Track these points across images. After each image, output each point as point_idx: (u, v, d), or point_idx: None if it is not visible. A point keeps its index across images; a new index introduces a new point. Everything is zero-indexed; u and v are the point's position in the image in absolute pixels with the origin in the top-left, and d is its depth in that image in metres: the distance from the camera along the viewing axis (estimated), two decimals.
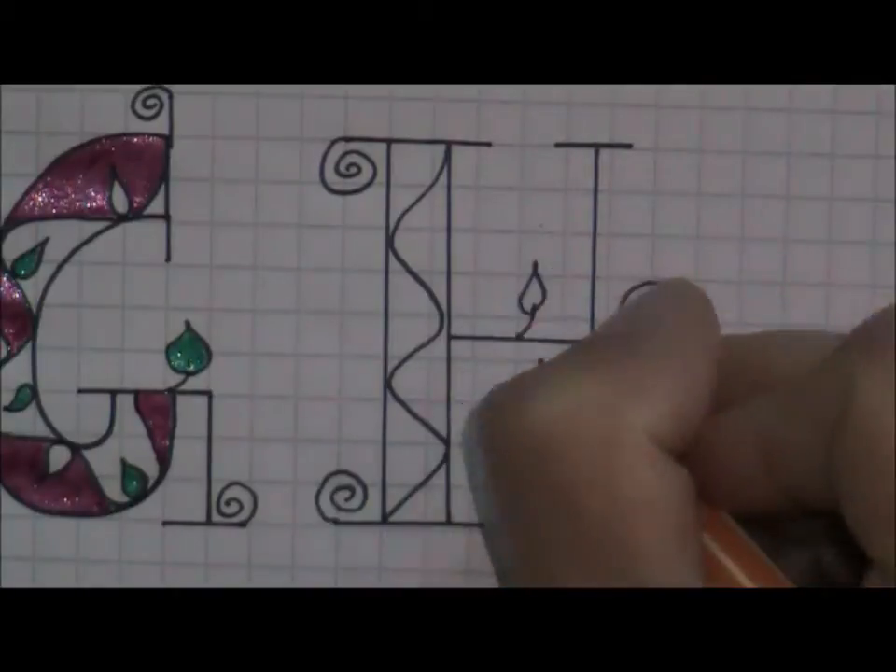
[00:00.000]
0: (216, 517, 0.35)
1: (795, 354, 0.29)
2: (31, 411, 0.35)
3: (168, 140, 0.35)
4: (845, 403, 0.26)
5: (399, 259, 0.35)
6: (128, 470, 0.35)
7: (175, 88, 0.35)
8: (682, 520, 0.27)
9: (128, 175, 0.35)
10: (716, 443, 0.29)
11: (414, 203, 0.35)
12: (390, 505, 0.35)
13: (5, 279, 0.35)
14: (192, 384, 0.35)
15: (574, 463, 0.27)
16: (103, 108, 0.35)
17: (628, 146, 0.35)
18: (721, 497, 0.29)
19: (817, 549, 0.30)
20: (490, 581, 0.35)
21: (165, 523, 0.35)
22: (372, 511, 0.35)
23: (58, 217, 0.35)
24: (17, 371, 0.35)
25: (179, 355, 0.35)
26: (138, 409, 0.35)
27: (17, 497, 0.35)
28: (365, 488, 0.35)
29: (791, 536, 0.30)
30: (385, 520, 0.35)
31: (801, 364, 0.28)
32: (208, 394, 0.35)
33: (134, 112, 0.35)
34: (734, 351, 0.30)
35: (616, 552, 0.27)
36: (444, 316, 0.35)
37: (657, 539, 0.27)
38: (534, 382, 0.29)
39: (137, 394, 0.35)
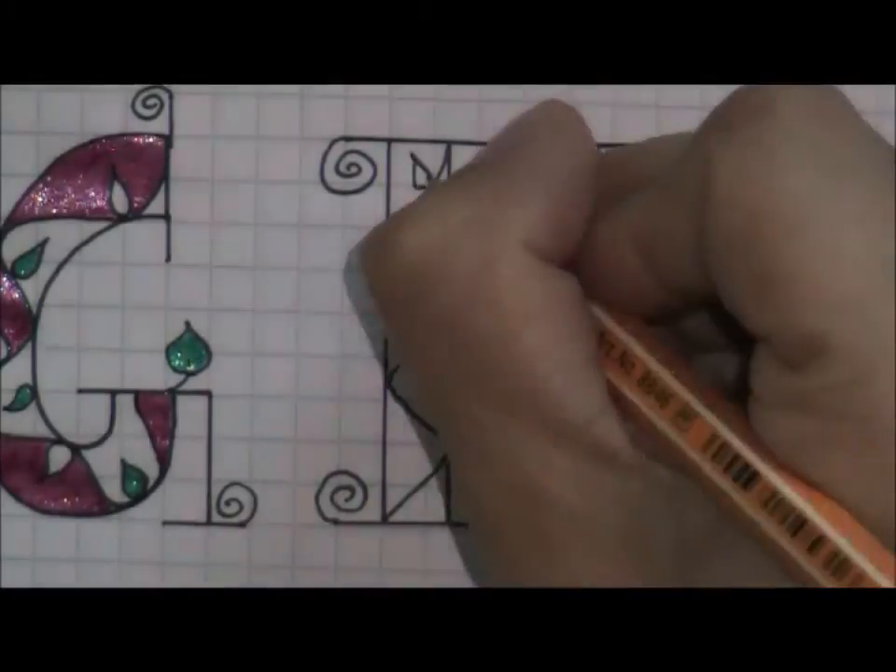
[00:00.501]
0: (216, 517, 0.35)
1: (663, 153, 0.30)
2: (31, 411, 0.35)
3: (168, 140, 0.35)
4: (706, 184, 0.26)
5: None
6: (128, 470, 0.35)
7: (174, 88, 0.35)
8: (574, 325, 0.28)
9: (128, 175, 0.35)
10: (595, 245, 0.29)
11: None
12: (390, 505, 0.35)
13: (5, 279, 0.35)
14: (192, 384, 0.35)
15: (455, 285, 0.27)
16: (103, 108, 0.35)
17: None
18: (610, 297, 0.29)
19: (719, 355, 0.30)
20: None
21: (165, 523, 0.35)
22: (372, 511, 0.35)
23: (58, 217, 0.35)
24: (17, 371, 0.35)
25: (179, 355, 0.35)
26: (138, 409, 0.35)
27: (17, 497, 0.35)
28: (365, 488, 0.35)
29: (694, 344, 0.30)
30: (384, 520, 0.35)
31: (668, 162, 0.28)
32: (208, 394, 0.35)
33: (134, 112, 0.35)
34: (611, 162, 0.30)
35: (511, 371, 0.27)
36: None
37: (551, 349, 0.27)
38: (408, 212, 0.28)
39: (137, 394, 0.35)
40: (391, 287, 0.28)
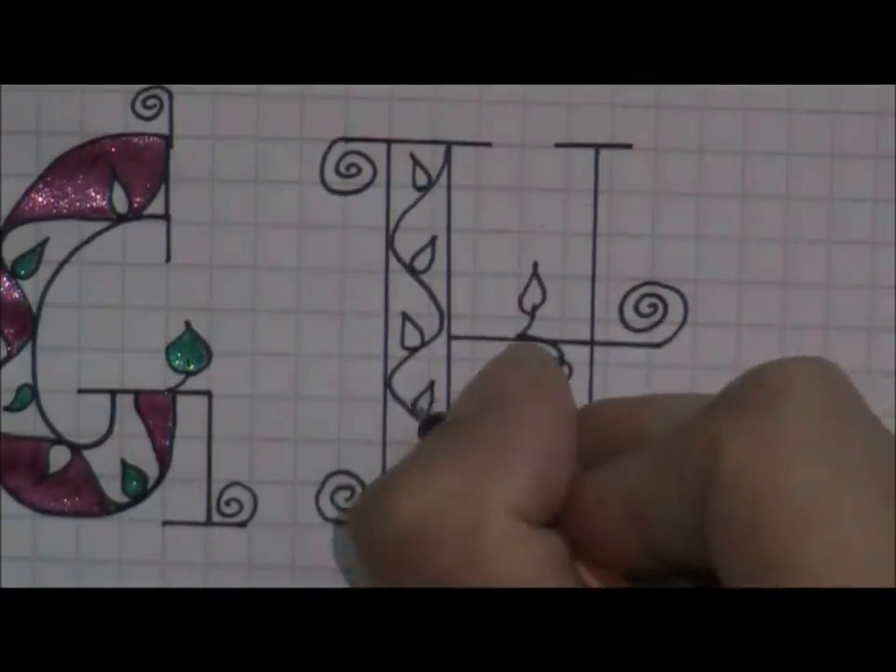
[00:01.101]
0: (216, 517, 0.35)
1: (667, 415, 0.30)
2: (31, 411, 0.35)
3: (168, 140, 0.35)
4: (711, 463, 0.26)
5: (398, 259, 0.35)
6: (128, 470, 0.35)
7: (175, 88, 0.35)
8: (557, 585, 0.28)
9: (128, 175, 0.35)
10: (583, 503, 0.29)
11: (414, 203, 0.35)
12: None
13: (5, 279, 0.35)
14: (192, 384, 0.35)
15: (444, 553, 0.28)
16: (103, 108, 0.35)
17: (628, 146, 0.35)
18: (596, 556, 0.29)
19: None
20: None
21: (165, 523, 0.35)
22: None
23: (58, 217, 0.35)
24: (17, 371, 0.35)
25: (179, 355, 0.35)
26: (138, 409, 0.35)
27: (17, 497, 0.35)
28: (365, 488, 0.35)
29: None
30: None
31: (672, 425, 0.29)
32: (208, 394, 0.35)
33: (134, 112, 0.35)
34: (607, 414, 0.31)
35: None
36: (444, 316, 0.35)
37: None
38: (396, 482, 0.30)
39: (137, 394, 0.35)
40: (382, 554, 0.29)
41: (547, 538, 0.29)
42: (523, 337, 0.35)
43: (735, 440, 0.26)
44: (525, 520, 0.29)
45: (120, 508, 0.35)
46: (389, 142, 0.35)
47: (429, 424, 0.34)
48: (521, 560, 0.28)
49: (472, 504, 0.28)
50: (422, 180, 0.35)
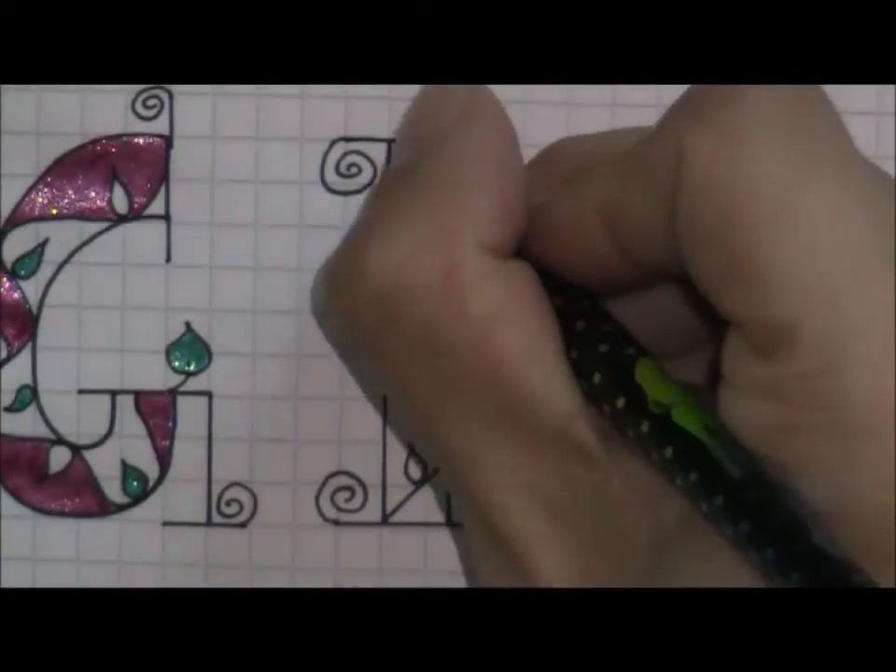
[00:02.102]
0: (216, 517, 0.35)
1: (618, 140, 0.30)
2: (31, 411, 0.35)
3: (168, 140, 0.35)
4: (678, 170, 0.26)
5: None
6: (128, 471, 0.35)
7: (175, 88, 0.35)
8: (539, 319, 0.28)
9: (128, 175, 0.35)
10: (554, 220, 0.29)
11: None
12: (390, 505, 0.35)
13: (5, 279, 0.35)
14: (192, 384, 0.35)
15: (422, 302, 0.28)
16: (103, 108, 0.35)
17: None
18: (570, 273, 0.29)
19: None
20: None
21: (165, 523, 0.35)
22: (373, 511, 0.35)
23: (58, 217, 0.35)
24: (17, 372, 0.35)
25: (179, 355, 0.35)
26: (138, 409, 0.35)
27: (17, 497, 0.35)
28: (365, 488, 0.35)
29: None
30: (385, 520, 0.35)
31: (624, 147, 0.29)
32: (208, 394, 0.35)
33: (134, 112, 0.35)
34: (571, 149, 0.31)
35: (487, 377, 0.27)
36: None
37: (521, 351, 0.27)
38: (363, 240, 0.29)
39: (137, 394, 0.35)
40: (361, 313, 0.29)
41: (518, 268, 0.28)
42: None
43: (699, 138, 0.26)
44: (495, 254, 0.28)
45: (120, 508, 0.35)
46: (389, 142, 0.35)
47: None
48: (498, 295, 0.28)
49: (442, 247, 0.28)
50: None
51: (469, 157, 0.29)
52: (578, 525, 0.27)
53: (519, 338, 0.27)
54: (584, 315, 0.29)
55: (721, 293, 0.26)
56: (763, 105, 0.26)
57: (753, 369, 0.26)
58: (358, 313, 0.29)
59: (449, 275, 0.28)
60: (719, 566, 0.27)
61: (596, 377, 0.28)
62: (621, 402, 0.28)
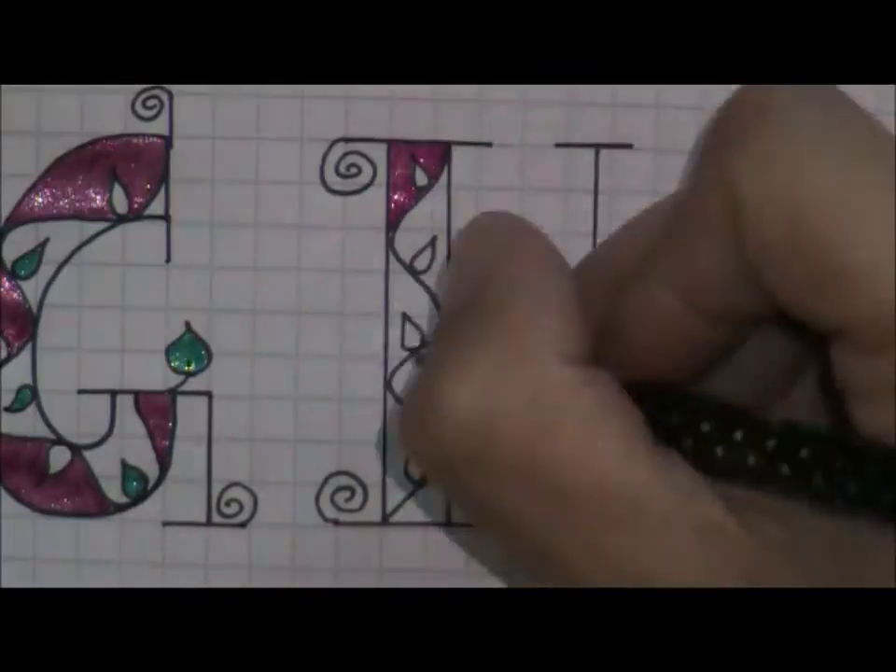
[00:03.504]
0: (216, 517, 0.35)
1: (636, 229, 0.31)
2: (31, 411, 0.35)
3: (168, 140, 0.35)
4: (736, 204, 0.26)
5: (398, 260, 0.35)
6: (128, 471, 0.35)
7: (174, 88, 0.35)
8: (630, 415, 0.28)
9: (128, 175, 0.35)
10: (627, 321, 0.29)
11: (414, 203, 0.35)
12: (390, 505, 0.35)
13: (5, 279, 0.35)
14: (192, 384, 0.35)
15: (514, 427, 0.27)
16: (103, 108, 0.35)
17: (628, 146, 0.35)
18: (656, 367, 0.29)
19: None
20: (490, 581, 0.35)
21: (165, 523, 0.35)
22: (372, 511, 0.35)
23: (58, 217, 0.35)
24: (17, 372, 0.35)
25: (179, 355, 0.35)
26: (138, 409, 0.35)
27: (17, 497, 0.35)
28: (365, 488, 0.35)
29: None
30: (385, 520, 0.35)
31: (653, 227, 0.29)
32: (208, 394, 0.35)
33: (134, 112, 0.35)
34: (581, 270, 0.31)
35: (593, 486, 0.27)
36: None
37: (623, 453, 0.27)
38: (438, 379, 0.28)
39: (137, 394, 0.35)
40: (447, 452, 0.28)
41: (598, 373, 0.28)
42: None
43: (746, 171, 0.26)
44: (574, 364, 0.28)
45: (120, 508, 0.35)
46: (389, 142, 0.35)
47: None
48: (588, 402, 0.27)
49: (523, 368, 0.27)
50: (422, 180, 0.35)
51: (524, 280, 0.29)
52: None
53: (616, 444, 0.27)
54: (675, 406, 0.29)
55: (815, 308, 0.26)
56: (795, 119, 0.26)
57: (871, 371, 0.26)
58: (444, 446, 0.28)
59: (537, 395, 0.27)
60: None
61: (719, 450, 0.28)
62: (738, 435, 0.28)
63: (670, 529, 0.27)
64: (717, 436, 0.28)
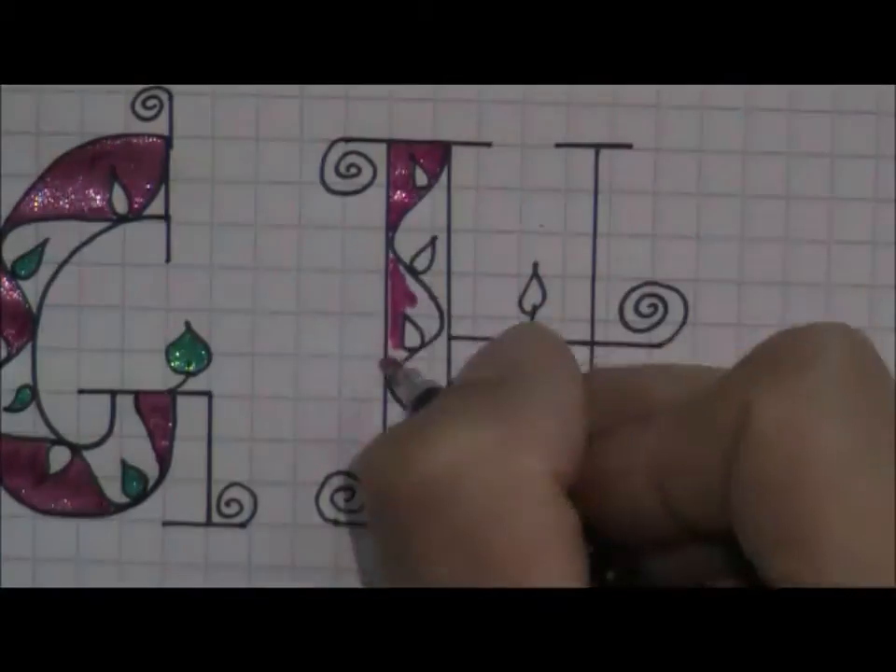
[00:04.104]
0: (216, 517, 0.35)
1: (669, 379, 0.30)
2: (31, 411, 0.35)
3: (168, 140, 0.35)
4: (743, 425, 0.26)
5: (398, 260, 0.35)
6: (128, 471, 0.35)
7: (174, 88, 0.35)
8: (579, 558, 0.28)
9: (128, 175, 0.35)
10: (604, 471, 0.29)
11: (414, 203, 0.35)
12: None
13: (5, 279, 0.35)
14: (192, 384, 0.35)
15: (479, 501, 0.28)
16: (103, 108, 0.35)
17: (628, 146, 0.35)
18: (611, 525, 0.29)
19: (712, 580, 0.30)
20: None
21: (165, 523, 0.35)
22: None
23: (58, 217, 0.35)
24: (17, 372, 0.35)
25: (179, 355, 0.35)
26: (138, 409, 0.35)
27: (17, 497, 0.35)
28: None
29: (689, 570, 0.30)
30: None
31: (679, 394, 0.29)
32: (208, 394, 0.35)
33: (134, 112, 0.35)
34: (607, 383, 0.31)
35: (517, 582, 0.28)
36: (444, 316, 0.35)
37: (560, 582, 0.28)
38: (421, 434, 0.29)
39: (137, 394, 0.35)
40: (411, 496, 0.29)
41: (567, 503, 0.29)
42: None
43: (768, 402, 0.26)
44: (554, 480, 0.28)
45: (120, 508, 0.35)
46: (389, 142, 0.35)
47: (426, 396, 0.33)
48: (553, 523, 0.28)
49: (512, 458, 0.28)
50: (422, 180, 0.35)
51: (548, 389, 0.29)
52: None
53: (559, 571, 0.28)
54: (613, 566, 0.30)
55: (771, 554, 0.26)
56: (835, 371, 0.26)
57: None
58: (410, 489, 0.29)
59: (512, 488, 0.28)
60: None
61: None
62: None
63: None
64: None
